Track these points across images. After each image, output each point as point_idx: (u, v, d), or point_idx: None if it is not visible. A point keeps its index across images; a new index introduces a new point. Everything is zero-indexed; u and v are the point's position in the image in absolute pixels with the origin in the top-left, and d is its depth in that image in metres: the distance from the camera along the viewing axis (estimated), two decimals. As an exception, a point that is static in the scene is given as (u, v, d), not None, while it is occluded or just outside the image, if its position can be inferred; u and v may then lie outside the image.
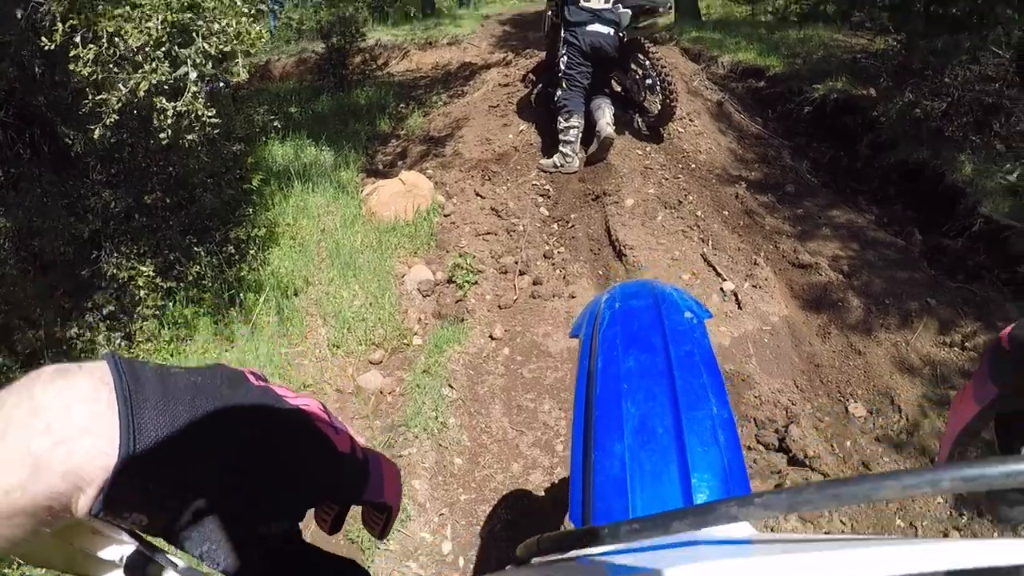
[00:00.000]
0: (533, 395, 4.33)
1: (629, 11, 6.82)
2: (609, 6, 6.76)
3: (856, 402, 4.21)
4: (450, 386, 4.36)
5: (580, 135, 6.90)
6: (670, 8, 7.69)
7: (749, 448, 3.95)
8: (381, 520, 0.91)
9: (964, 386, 0.79)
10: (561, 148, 6.88)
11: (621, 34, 6.89)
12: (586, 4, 6.73)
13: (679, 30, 11.69)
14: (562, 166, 6.86)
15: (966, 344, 4.51)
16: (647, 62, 6.89)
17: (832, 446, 3.98)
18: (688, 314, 1.38)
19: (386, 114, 9.28)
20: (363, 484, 0.84)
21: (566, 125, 6.84)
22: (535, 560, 0.83)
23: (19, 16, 4.17)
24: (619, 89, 7.48)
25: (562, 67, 6.93)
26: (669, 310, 1.36)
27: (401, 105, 9.69)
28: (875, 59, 9.15)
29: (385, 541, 3.38)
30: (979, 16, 7.53)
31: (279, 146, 7.46)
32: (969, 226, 5.85)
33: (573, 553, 0.77)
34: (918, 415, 4.06)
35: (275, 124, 5.73)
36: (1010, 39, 7.39)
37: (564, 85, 6.92)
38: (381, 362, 4.71)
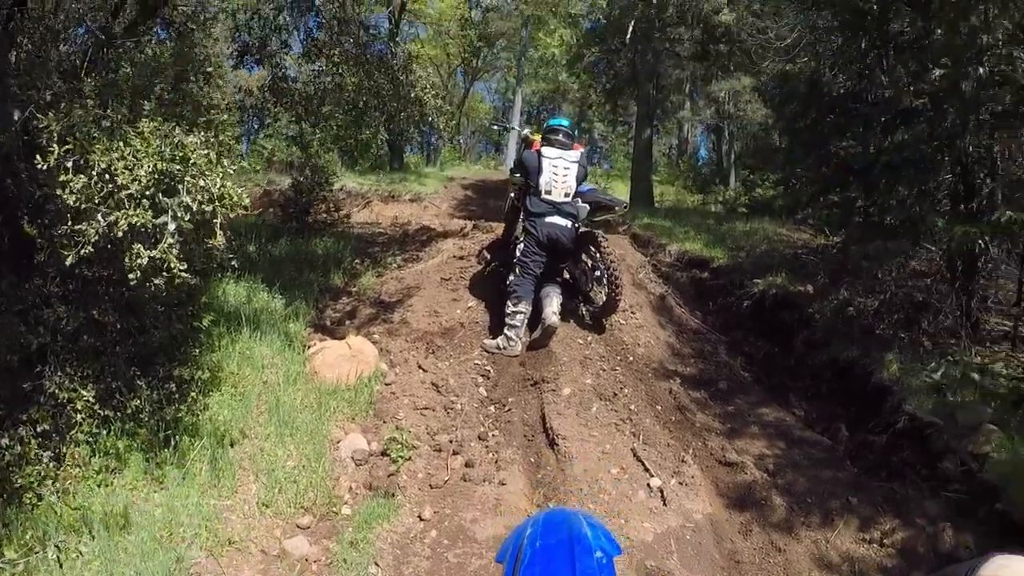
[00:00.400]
0: None
1: (587, 206, 7.56)
2: (568, 200, 7.41)
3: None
4: (376, 564, 4.57)
5: (526, 321, 7.33)
6: (625, 208, 8.38)
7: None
8: None
9: None
10: (506, 331, 7.26)
11: (577, 226, 7.50)
12: (547, 196, 7.37)
13: (632, 216, 12.50)
14: (505, 348, 7.22)
15: (884, 541, 4.94)
16: (597, 254, 7.49)
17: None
18: (599, 553, 1.75)
19: (341, 268, 9.65)
20: None
21: (514, 310, 7.25)
22: None
23: (16, 117, 4.56)
24: (568, 277, 8.03)
25: (517, 253, 7.46)
26: (581, 552, 1.72)
27: (357, 261, 10.11)
28: (815, 255, 9.96)
29: None
30: (912, 223, 8.28)
31: (233, 285, 7.71)
32: (894, 423, 6.37)
33: None
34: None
35: (232, 263, 5.90)
36: (939, 240, 8.13)
37: (517, 271, 7.38)
38: (309, 527, 4.87)
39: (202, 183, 4.20)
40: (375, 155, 21.90)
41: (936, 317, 8.32)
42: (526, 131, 9.27)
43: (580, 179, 7.56)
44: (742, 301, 8.94)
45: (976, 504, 5.28)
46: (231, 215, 4.46)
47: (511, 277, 7.46)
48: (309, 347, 7.01)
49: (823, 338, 7.78)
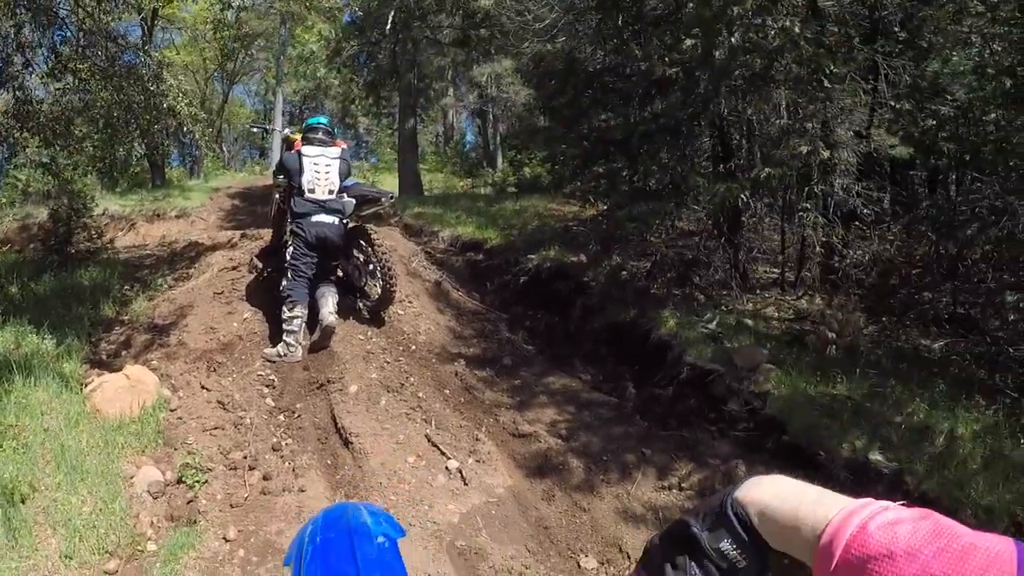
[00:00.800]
0: None
1: (353, 200, 7.55)
2: (333, 197, 7.45)
3: (587, 556, 4.75)
4: None
5: (304, 324, 7.31)
6: (392, 198, 8.47)
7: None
8: None
9: (633, 570, 1.14)
10: (285, 338, 7.21)
11: (345, 222, 7.54)
12: (311, 196, 7.42)
13: (402, 206, 12.61)
14: (286, 355, 7.17)
15: (683, 485, 5.24)
16: (369, 248, 7.55)
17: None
18: (381, 538, 1.78)
19: (110, 297, 9.23)
20: None
21: (290, 315, 7.23)
22: None
23: None
24: (341, 275, 8.05)
25: (288, 257, 7.41)
26: (361, 540, 1.74)
27: (126, 287, 9.69)
28: (585, 226, 10.42)
29: None
30: (675, 184, 8.84)
31: None
32: (677, 375, 6.81)
33: None
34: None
35: None
36: (703, 199, 8.72)
37: (289, 275, 7.38)
38: (116, 572, 4.60)
39: None
40: (134, 173, 20.90)
41: (707, 271, 8.95)
42: (286, 131, 9.24)
43: (343, 175, 7.60)
44: (518, 278, 9.23)
45: (763, 439, 5.74)
46: None
47: (284, 282, 7.43)
48: (87, 384, 6.65)
49: (600, 303, 8.16)
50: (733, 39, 8.07)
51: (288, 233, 7.56)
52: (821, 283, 8.61)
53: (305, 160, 7.50)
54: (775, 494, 0.96)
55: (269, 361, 7.22)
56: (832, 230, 8.43)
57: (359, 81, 25.36)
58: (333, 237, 7.46)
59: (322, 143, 7.69)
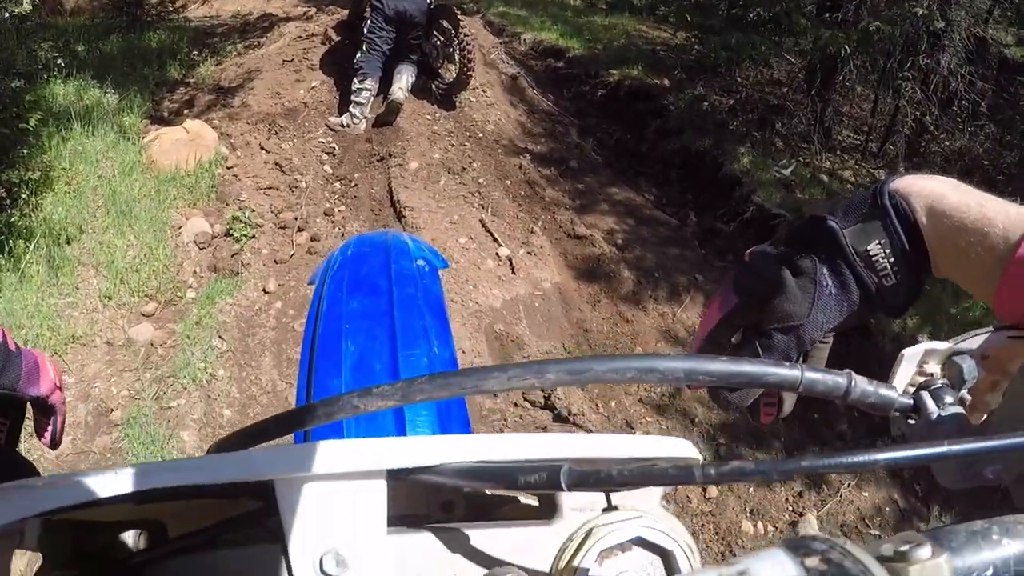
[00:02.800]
0: None
1: None
2: None
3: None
4: (220, 338, 4.52)
5: (372, 98, 7.18)
6: None
7: (516, 405, 4.32)
8: (48, 424, 1.06)
9: (714, 295, 0.88)
10: (351, 108, 7.09)
11: (429, 1, 7.25)
12: None
13: (486, 2, 12.13)
14: (348, 126, 7.07)
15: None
16: (451, 29, 7.24)
17: (596, 405, 4.42)
18: (420, 261, 1.61)
19: (177, 60, 9.07)
20: (16, 373, 0.96)
21: (359, 87, 7.08)
22: None
23: None
24: (419, 54, 7.77)
25: (364, 30, 7.19)
26: (399, 256, 1.57)
27: (194, 52, 9.49)
28: (673, 52, 9.94)
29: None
30: (775, 21, 8.34)
31: (61, 86, 7.20)
32: (742, 212, 6.56)
33: None
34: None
35: (59, 62, 5.51)
36: (801, 47, 8.24)
37: (364, 48, 7.15)
38: (154, 314, 4.77)
39: None
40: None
41: (790, 121, 8.56)
42: None
43: None
44: (597, 90, 8.88)
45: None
46: None
47: (358, 55, 7.25)
48: (145, 137, 6.66)
49: (676, 128, 7.84)
50: None
51: (368, 6, 7.28)
52: (904, 159, 8.20)
53: None
54: (954, 186, 0.68)
55: (332, 129, 7.14)
56: (927, 108, 7.95)
57: None
58: (413, 12, 7.18)
59: None
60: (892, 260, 0.71)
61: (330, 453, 0.63)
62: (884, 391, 0.67)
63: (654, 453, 0.77)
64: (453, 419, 1.27)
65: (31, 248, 4.91)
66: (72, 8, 11.72)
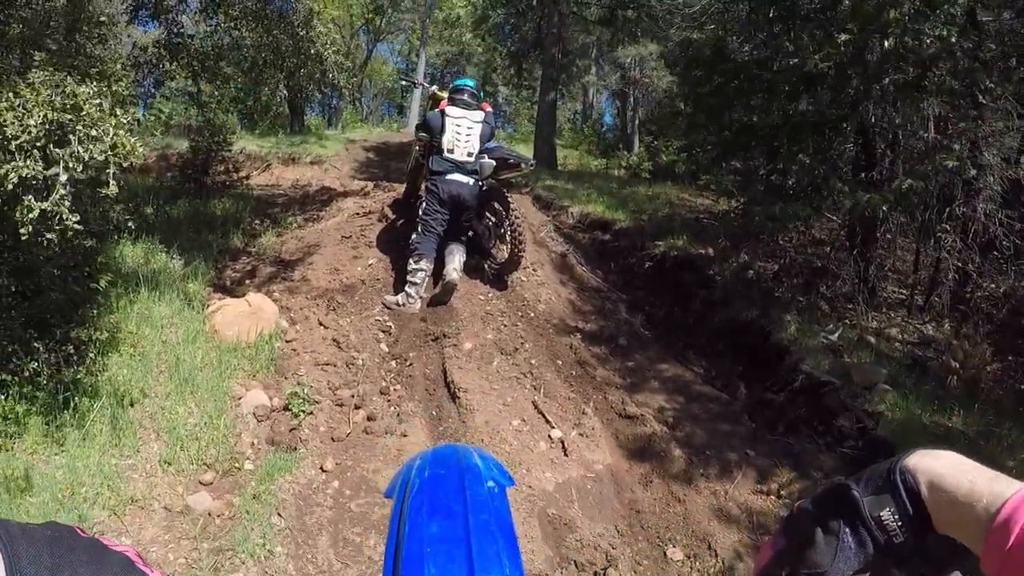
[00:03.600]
0: (360, 529, 4.63)
1: (493, 162, 7.63)
2: (472, 159, 7.59)
3: (674, 547, 4.73)
4: (279, 515, 4.62)
5: (427, 278, 7.45)
6: (532, 165, 8.56)
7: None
8: None
9: (772, 535, 1.05)
10: (407, 288, 7.36)
11: (481, 184, 7.65)
12: (449, 155, 7.53)
13: (535, 177, 12.62)
14: (404, 305, 7.32)
15: (782, 492, 5.16)
16: (502, 211, 7.64)
17: (651, 585, 4.46)
18: (491, 483, 1.78)
19: (240, 229, 9.57)
20: None
21: (415, 267, 7.37)
22: None
23: None
24: (471, 234, 8.09)
25: (420, 212, 7.57)
26: (472, 481, 1.74)
27: (256, 221, 10.01)
28: (716, 219, 10.23)
29: None
30: (814, 187, 8.60)
31: (130, 247, 7.60)
32: (791, 381, 6.64)
33: None
34: (734, 559, 4.61)
35: (129, 224, 5.80)
36: (840, 207, 8.46)
37: (419, 229, 7.54)
38: (212, 483, 4.89)
39: (94, 132, 4.18)
40: (273, 116, 21.45)
41: (834, 282, 8.69)
42: (433, 88, 9.24)
43: (485, 138, 7.70)
44: (643, 262, 9.14)
45: (870, 459, 5.52)
46: (125, 164, 4.43)
47: (413, 236, 7.58)
48: (208, 306, 6.96)
49: (723, 299, 8.02)
50: (887, 43, 7.75)
51: (423, 189, 7.71)
52: (950, 311, 8.25)
53: (448, 120, 7.60)
54: (952, 464, 0.88)
55: (388, 308, 7.38)
56: (968, 256, 8.07)
57: (503, 50, 25.44)
58: (466, 196, 7.54)
59: (467, 105, 7.76)
60: (900, 524, 0.89)
61: None
62: None
63: None
64: None
65: (96, 407, 5.06)
66: (140, 166, 12.32)
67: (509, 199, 7.62)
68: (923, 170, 7.70)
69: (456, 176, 7.49)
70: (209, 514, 4.60)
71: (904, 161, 8.61)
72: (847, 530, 0.93)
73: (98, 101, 4.27)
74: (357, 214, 9.84)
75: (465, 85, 8.03)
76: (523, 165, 8.20)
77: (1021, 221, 8.44)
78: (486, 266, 8.04)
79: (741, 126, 9.32)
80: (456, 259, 7.47)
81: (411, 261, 7.45)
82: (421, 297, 7.40)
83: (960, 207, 7.96)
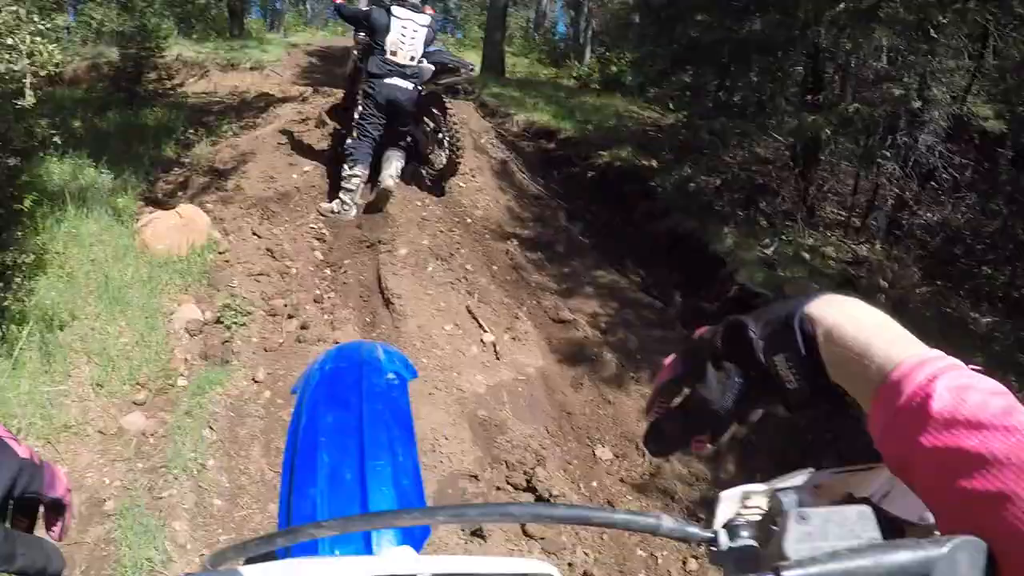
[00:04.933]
0: None
1: (431, 67, 7.49)
2: (413, 63, 7.40)
3: (603, 447, 4.86)
4: (211, 428, 4.63)
5: (362, 184, 7.37)
6: (472, 71, 8.40)
7: (498, 488, 4.45)
8: (59, 520, 1.30)
9: (672, 357, 1.00)
10: (341, 195, 7.29)
11: (420, 89, 7.50)
12: (391, 58, 7.31)
13: (481, 84, 12.50)
14: (339, 212, 7.27)
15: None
16: (441, 117, 7.55)
17: (578, 486, 4.57)
18: (391, 375, 1.83)
19: (173, 139, 9.38)
20: (41, 481, 1.22)
21: (349, 173, 7.27)
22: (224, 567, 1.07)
23: None
24: (409, 140, 7.96)
25: (356, 116, 7.45)
26: (371, 372, 1.80)
27: (190, 131, 9.78)
28: (662, 133, 10.27)
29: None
30: (759, 106, 8.66)
31: (57, 163, 7.42)
32: (725, 292, 6.79)
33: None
34: (661, 460, 4.75)
35: (56, 139, 5.63)
36: (785, 127, 8.54)
37: (355, 134, 7.40)
38: (145, 403, 4.86)
39: (10, 41, 4.05)
40: (211, 20, 20.73)
41: (775, 200, 8.84)
42: (362, 2, 8.96)
43: (427, 43, 7.52)
44: (586, 172, 9.18)
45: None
46: (42, 74, 4.33)
47: (348, 140, 7.48)
48: (139, 220, 6.82)
49: (663, 210, 8.11)
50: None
51: (360, 92, 7.54)
52: (886, 235, 8.45)
53: (394, 20, 7.33)
54: (852, 317, 0.86)
55: (323, 215, 7.35)
56: (907, 185, 8.24)
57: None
58: (404, 102, 7.39)
59: (413, 7, 7.49)
60: (793, 369, 0.86)
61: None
62: (689, 528, 0.80)
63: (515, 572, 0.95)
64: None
65: (23, 334, 4.94)
66: (70, 78, 11.98)
67: (447, 105, 7.55)
68: (870, 97, 7.81)
69: (395, 80, 7.32)
70: (143, 434, 4.59)
71: (852, 87, 8.71)
72: (738, 373, 0.92)
73: (14, 8, 4.10)
74: (294, 120, 9.67)
75: None
76: (463, 71, 8.00)
77: (962, 156, 8.63)
78: (424, 172, 8.01)
79: (690, 40, 9.29)
80: (393, 165, 7.40)
81: (345, 167, 7.37)
82: (357, 204, 7.32)
83: (903, 137, 8.10)
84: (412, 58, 7.38)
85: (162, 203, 7.52)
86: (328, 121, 9.17)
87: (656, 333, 6.00)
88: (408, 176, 7.84)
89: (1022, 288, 7.65)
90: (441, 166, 7.78)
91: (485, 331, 5.67)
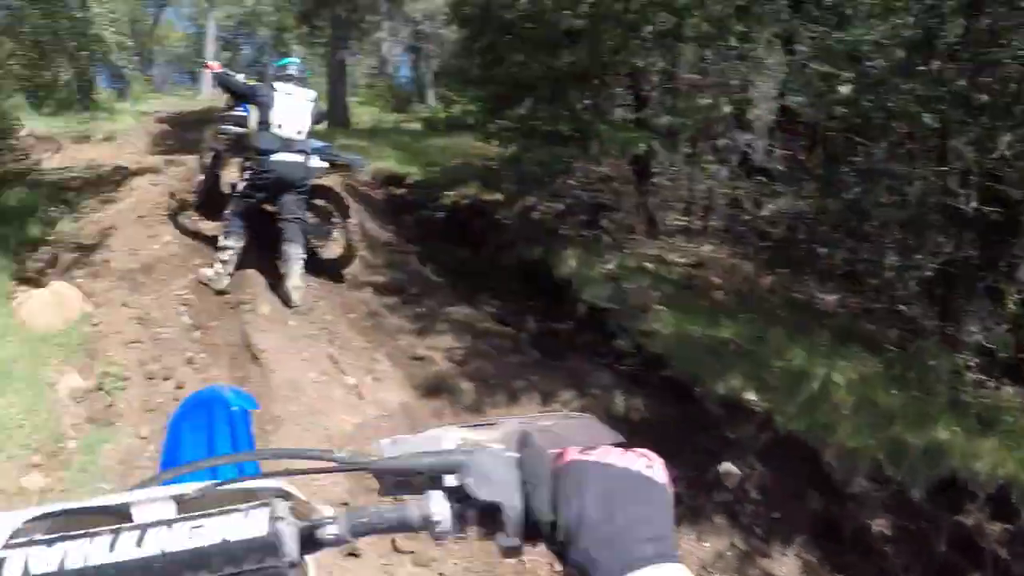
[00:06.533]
0: None
1: (325, 165, 7.52)
2: (301, 136, 7.20)
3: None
4: (105, 481, 4.93)
5: (236, 257, 7.19)
6: (363, 166, 8.65)
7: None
8: None
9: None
10: (216, 265, 7.20)
11: (309, 163, 7.28)
12: (277, 131, 7.07)
13: (329, 138, 12.83)
14: (211, 281, 7.19)
15: (563, 409, 5.75)
16: (336, 212, 7.64)
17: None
18: (235, 408, 2.24)
19: (37, 218, 9.38)
20: None
21: (224, 244, 7.14)
22: None
23: None
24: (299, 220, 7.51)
25: (238, 187, 7.31)
26: (217, 408, 2.20)
27: (52, 208, 9.78)
28: (505, 166, 10.78)
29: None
30: (581, 132, 9.23)
31: None
32: (574, 312, 7.30)
33: None
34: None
35: None
36: (609, 148, 9.14)
37: (232, 207, 7.25)
38: (41, 464, 5.12)
39: None
40: (60, 95, 20.49)
41: (617, 216, 9.43)
42: (240, 76, 7.90)
43: (316, 119, 7.53)
44: (436, 212, 9.62)
45: (648, 374, 6.30)
46: None
47: (225, 211, 7.38)
48: (14, 299, 7.04)
49: (511, 241, 8.60)
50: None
51: (240, 167, 7.44)
52: (726, 233, 9.09)
53: (278, 96, 7.16)
54: None
55: (198, 281, 7.30)
56: (737, 183, 8.91)
57: (292, 10, 25.17)
58: (296, 178, 7.18)
59: (299, 81, 7.46)
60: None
61: None
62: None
63: None
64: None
65: None
66: None
67: (345, 200, 7.74)
68: (681, 108, 8.48)
69: (283, 156, 7.05)
70: (42, 491, 4.85)
71: (674, 102, 9.38)
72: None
73: None
74: (151, 192, 9.84)
75: (291, 62, 7.77)
76: (355, 168, 8.17)
77: (790, 148, 9.34)
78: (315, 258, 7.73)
79: (512, 79, 9.80)
80: (295, 269, 7.07)
81: (220, 237, 7.22)
82: (230, 275, 7.21)
83: (723, 140, 8.80)
84: (299, 132, 7.19)
85: (34, 280, 7.62)
86: (179, 190, 9.33)
87: (511, 359, 6.46)
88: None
89: (862, 262, 8.25)
90: (335, 256, 7.73)
91: (347, 375, 6.02)
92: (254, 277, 7.43)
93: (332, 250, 7.86)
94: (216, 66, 7.90)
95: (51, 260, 8.29)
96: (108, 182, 10.96)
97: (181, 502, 0.94)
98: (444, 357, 6.46)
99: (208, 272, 7.28)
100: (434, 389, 6.06)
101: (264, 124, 7.10)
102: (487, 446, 0.89)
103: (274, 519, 0.86)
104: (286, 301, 7.02)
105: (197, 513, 0.89)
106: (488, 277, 8.38)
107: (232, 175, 7.93)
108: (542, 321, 7.40)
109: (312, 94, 7.50)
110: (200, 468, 1.05)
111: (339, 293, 7.41)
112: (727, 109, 8.47)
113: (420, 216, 9.73)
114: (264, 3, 30.92)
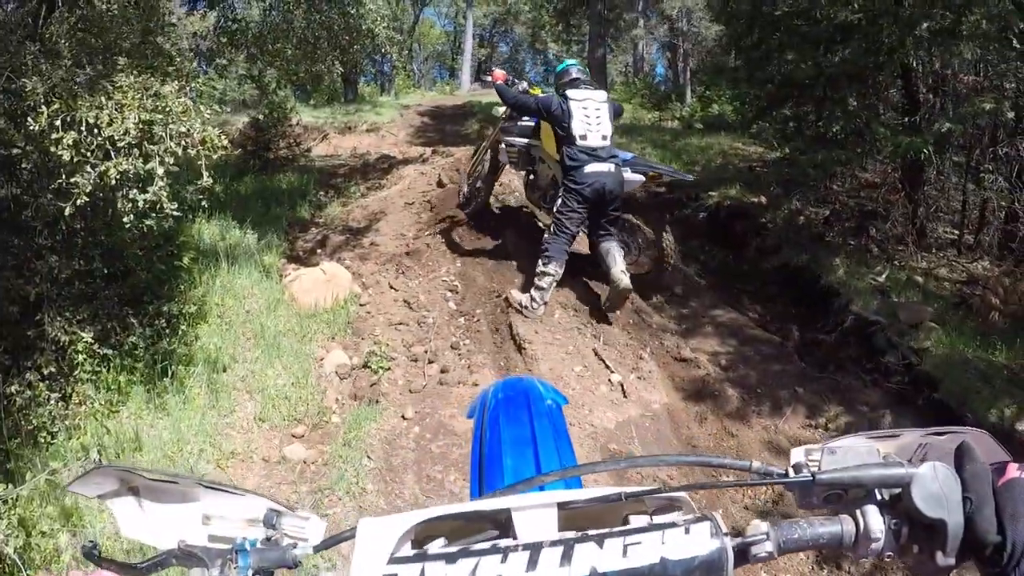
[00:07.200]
0: (441, 467, 5.14)
1: (641, 177, 7.25)
2: (607, 143, 6.81)
3: (727, 477, 5.20)
4: (369, 457, 5.18)
5: (555, 283, 6.86)
6: (687, 181, 8.36)
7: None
8: None
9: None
10: (533, 292, 6.80)
11: (623, 169, 6.94)
12: (583, 143, 6.71)
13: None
14: (526, 308, 6.77)
15: (829, 426, 5.59)
16: (657, 235, 7.40)
17: (706, 515, 4.95)
18: (549, 401, 2.32)
19: (307, 201, 10.21)
20: None
21: (543, 270, 6.76)
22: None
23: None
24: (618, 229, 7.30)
25: (556, 209, 6.90)
26: (535, 400, 2.29)
27: (321, 192, 10.65)
28: (768, 168, 10.56)
29: None
30: (856, 134, 8.90)
31: (206, 225, 8.25)
32: (841, 323, 7.07)
33: None
34: (782, 489, 5.08)
35: (202, 203, 6.24)
36: (883, 151, 8.77)
37: (552, 229, 6.90)
38: (303, 436, 5.49)
39: (183, 129, 4.69)
40: (329, 88, 21.91)
41: (884, 225, 9.02)
42: (523, 85, 7.83)
43: (615, 117, 7.12)
44: (697, 212, 9.56)
45: (915, 394, 5.98)
46: (214, 156, 5.00)
47: (545, 235, 7.02)
48: (285, 276, 7.61)
49: (775, 245, 8.42)
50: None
51: (560, 188, 6.93)
52: (1000, 249, 8.53)
53: (573, 104, 6.76)
54: None
55: (514, 307, 6.86)
56: (1015, 196, 8.32)
57: (549, 7, 25.60)
58: (612, 186, 6.74)
59: (588, 84, 7.08)
60: None
61: None
62: (775, 470, 0.96)
63: None
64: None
65: (192, 374, 5.72)
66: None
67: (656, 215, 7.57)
68: (961, 113, 7.98)
69: (595, 167, 6.66)
70: (304, 462, 5.17)
71: (949, 104, 8.86)
72: None
73: (182, 99, 4.76)
74: (418, 180, 10.37)
75: (572, 65, 7.42)
76: (669, 176, 7.83)
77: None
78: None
79: (783, 78, 9.59)
80: (618, 260, 6.77)
81: (540, 263, 6.80)
82: (545, 303, 6.82)
83: (1004, 148, 8.23)
84: (604, 137, 6.78)
85: (303, 260, 8.27)
86: (446, 181, 9.77)
87: (775, 367, 6.32)
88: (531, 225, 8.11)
89: None
90: (643, 271, 7.40)
91: (612, 371, 6.08)
92: (521, 267, 7.69)
93: (639, 265, 7.44)
94: (500, 76, 7.54)
95: (320, 241, 8.90)
96: (374, 170, 11.64)
97: (564, 508, 0.95)
98: (709, 360, 6.40)
99: (522, 298, 6.86)
100: (698, 392, 6.02)
101: (567, 137, 6.75)
102: (918, 463, 0.86)
103: (715, 535, 0.86)
104: (617, 285, 6.63)
105: (631, 528, 0.89)
106: (749, 280, 8.26)
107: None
108: (806, 330, 7.22)
109: (604, 94, 7.06)
110: (577, 474, 1.10)
111: (603, 289, 7.48)
112: (1010, 115, 7.90)
113: (681, 215, 9.70)
114: (521, 1, 31.50)
